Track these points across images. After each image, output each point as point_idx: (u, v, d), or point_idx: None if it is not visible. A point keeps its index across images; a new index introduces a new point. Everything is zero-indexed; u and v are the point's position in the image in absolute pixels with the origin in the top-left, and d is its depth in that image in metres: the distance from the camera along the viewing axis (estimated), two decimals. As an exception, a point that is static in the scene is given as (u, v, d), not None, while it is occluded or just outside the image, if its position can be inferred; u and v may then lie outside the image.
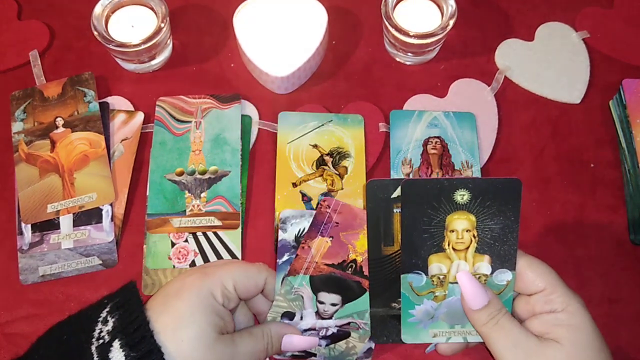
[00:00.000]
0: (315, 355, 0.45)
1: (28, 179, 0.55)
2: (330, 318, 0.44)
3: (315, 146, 0.57)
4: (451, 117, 0.58)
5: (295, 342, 0.43)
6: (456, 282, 0.41)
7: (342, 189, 0.56)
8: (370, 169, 0.57)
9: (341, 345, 0.45)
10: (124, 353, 0.35)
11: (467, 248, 0.41)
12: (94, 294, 0.53)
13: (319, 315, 0.44)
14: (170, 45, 0.63)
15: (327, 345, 0.45)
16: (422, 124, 0.58)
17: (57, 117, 0.58)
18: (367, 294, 0.44)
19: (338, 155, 0.57)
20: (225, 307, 0.39)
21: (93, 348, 0.36)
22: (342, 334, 0.45)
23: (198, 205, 0.55)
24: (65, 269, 0.53)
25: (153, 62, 0.62)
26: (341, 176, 0.56)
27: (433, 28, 0.59)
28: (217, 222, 0.54)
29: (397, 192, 0.41)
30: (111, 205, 0.55)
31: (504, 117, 0.60)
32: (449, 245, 0.41)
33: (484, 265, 0.41)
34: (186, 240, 0.54)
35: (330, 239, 0.45)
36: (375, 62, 0.64)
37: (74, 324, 0.39)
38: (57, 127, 0.58)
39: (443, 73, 0.63)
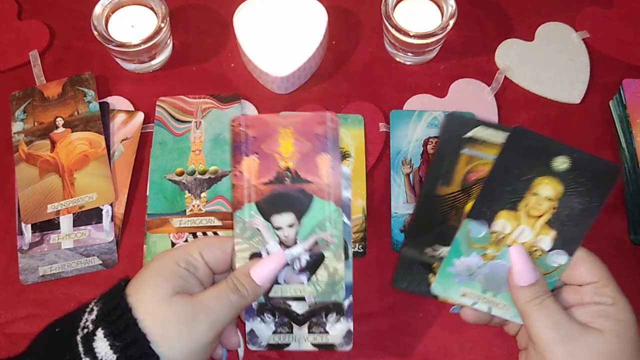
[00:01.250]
0: (304, 298, 0.43)
1: (28, 179, 0.55)
2: (295, 243, 0.42)
3: (315, 146, 0.57)
4: (451, 117, 0.58)
5: (264, 269, 0.40)
6: (508, 246, 0.40)
7: (342, 189, 0.56)
8: (370, 169, 0.57)
9: (322, 275, 0.42)
10: (108, 342, 0.35)
11: (540, 217, 0.39)
12: (94, 294, 0.52)
13: (283, 245, 0.42)
14: (170, 45, 0.63)
15: (309, 280, 0.42)
16: (422, 124, 0.58)
17: (57, 117, 0.58)
18: (316, 199, 0.42)
19: (338, 155, 0.57)
20: (190, 271, 0.39)
21: (78, 338, 0.36)
22: (316, 259, 0.42)
23: (198, 206, 0.55)
24: (65, 269, 0.53)
25: (153, 62, 0.62)
26: (341, 176, 0.56)
27: (433, 28, 0.59)
28: (217, 222, 0.54)
29: (472, 133, 0.39)
30: (111, 205, 0.55)
31: (504, 117, 0.60)
32: (524, 206, 0.39)
33: (547, 239, 0.40)
34: (186, 240, 0.54)
35: (256, 155, 0.43)
36: (375, 62, 0.64)
37: (67, 317, 0.39)
38: (57, 127, 0.58)
39: (443, 73, 0.63)
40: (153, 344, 0.36)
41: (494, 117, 0.60)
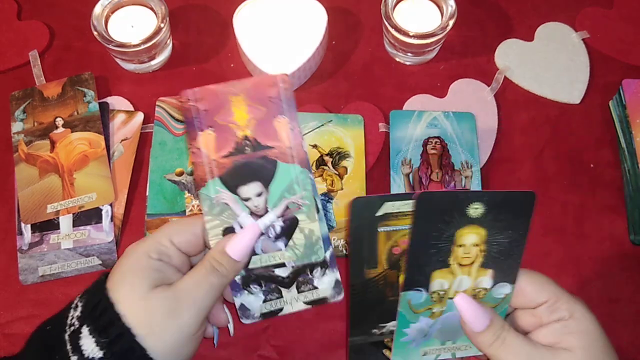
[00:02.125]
0: (284, 264, 0.42)
1: (28, 179, 0.55)
2: (266, 212, 0.41)
3: (315, 146, 0.57)
4: (451, 117, 0.58)
5: (239, 243, 0.39)
6: (451, 298, 0.40)
7: (341, 189, 0.56)
8: (370, 169, 0.57)
9: (299, 238, 0.41)
10: (94, 339, 0.35)
11: (472, 263, 0.40)
12: (93, 294, 0.53)
13: (255, 215, 0.41)
14: (170, 46, 0.63)
15: (286, 245, 0.41)
16: (421, 124, 0.58)
17: (57, 117, 0.58)
18: (280, 164, 0.41)
19: (338, 156, 0.57)
20: (165, 260, 0.39)
21: (66, 336, 0.36)
22: (290, 223, 0.41)
23: (198, 206, 0.55)
24: (65, 269, 0.53)
25: (153, 62, 0.62)
26: (341, 176, 0.56)
27: (433, 28, 0.59)
28: (217, 222, 0.54)
29: (383, 210, 0.39)
30: (111, 205, 0.55)
31: (504, 117, 0.60)
32: (454, 260, 0.39)
33: (486, 279, 0.40)
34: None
35: (211, 128, 0.41)
36: (375, 62, 0.64)
37: (58, 315, 0.39)
38: (56, 127, 0.58)
39: (443, 73, 0.63)
40: (138, 337, 0.35)
41: (493, 117, 0.60)
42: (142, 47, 0.58)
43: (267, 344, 0.52)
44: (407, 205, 0.39)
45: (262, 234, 0.41)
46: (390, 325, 0.42)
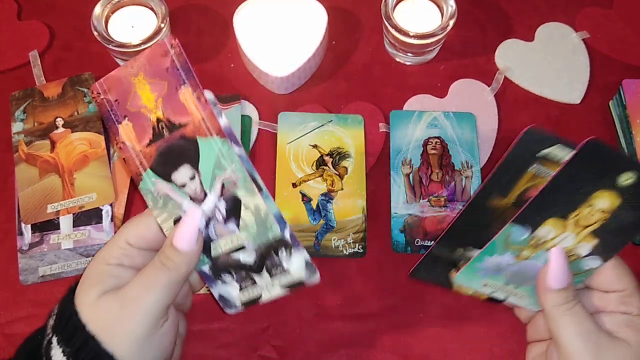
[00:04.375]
0: (244, 247, 0.40)
1: (28, 179, 0.55)
2: (205, 195, 0.39)
3: (315, 146, 0.57)
4: (451, 117, 0.58)
5: (181, 232, 0.37)
6: (547, 250, 0.39)
7: (342, 189, 0.56)
8: (370, 169, 0.57)
9: (247, 215, 0.39)
10: (61, 349, 0.35)
11: (587, 226, 0.39)
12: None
13: (197, 201, 0.39)
14: (170, 46, 0.63)
15: (238, 226, 0.39)
16: (422, 124, 0.58)
17: (57, 118, 0.58)
18: (200, 140, 0.38)
19: (338, 156, 0.57)
20: (125, 264, 0.38)
21: (42, 348, 0.37)
22: (233, 203, 0.39)
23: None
24: (65, 269, 0.53)
25: (153, 62, 0.62)
26: (341, 176, 0.56)
27: (433, 28, 0.59)
28: (217, 222, 0.54)
29: (547, 151, 0.38)
30: (111, 205, 0.55)
31: (504, 117, 0.60)
32: (575, 216, 0.38)
33: (587, 246, 0.39)
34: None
35: (126, 118, 0.39)
36: (375, 62, 0.64)
37: (45, 324, 0.39)
38: (57, 128, 0.58)
39: (443, 73, 0.63)
40: (104, 343, 0.35)
41: (494, 118, 0.60)
42: (142, 47, 0.58)
43: (267, 344, 0.52)
44: (567, 155, 0.38)
45: (210, 219, 0.39)
46: (477, 252, 0.41)
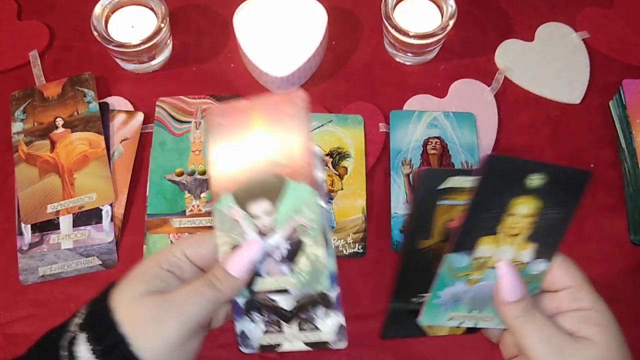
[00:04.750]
0: (287, 291, 0.41)
1: (28, 179, 0.55)
2: (274, 232, 0.40)
3: (315, 146, 0.57)
4: (451, 117, 0.58)
5: (238, 259, 0.39)
6: (493, 268, 0.40)
7: (341, 189, 0.56)
8: (370, 169, 0.57)
9: (304, 263, 0.40)
10: (90, 347, 0.35)
11: (518, 234, 0.40)
12: (94, 295, 0.53)
13: (262, 235, 0.40)
14: (170, 46, 0.63)
15: (291, 270, 0.40)
16: (422, 125, 0.58)
17: (57, 118, 0.58)
18: (291, 182, 0.39)
19: (338, 156, 0.57)
20: (175, 273, 0.38)
21: (62, 342, 0.36)
22: (296, 247, 0.40)
23: (198, 206, 0.55)
24: (65, 269, 0.53)
25: (153, 62, 0.62)
26: (341, 176, 0.56)
27: (433, 28, 0.59)
28: (217, 223, 0.54)
29: (445, 184, 0.39)
30: (111, 205, 0.55)
31: (504, 117, 0.60)
32: (502, 228, 0.39)
33: (527, 253, 0.40)
34: (186, 241, 0.54)
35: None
36: (375, 62, 0.63)
37: (64, 322, 0.39)
38: (57, 128, 0.58)
39: (443, 73, 0.63)
40: (132, 347, 0.35)
41: (494, 118, 0.60)
42: (142, 47, 0.58)
43: (267, 344, 0.52)
44: (468, 182, 0.39)
45: (268, 255, 0.40)
46: (429, 295, 0.42)
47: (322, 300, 0.42)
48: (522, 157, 0.39)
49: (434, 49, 0.62)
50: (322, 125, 0.58)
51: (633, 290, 0.54)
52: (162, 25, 0.59)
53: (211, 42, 0.64)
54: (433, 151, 0.57)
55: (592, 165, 0.59)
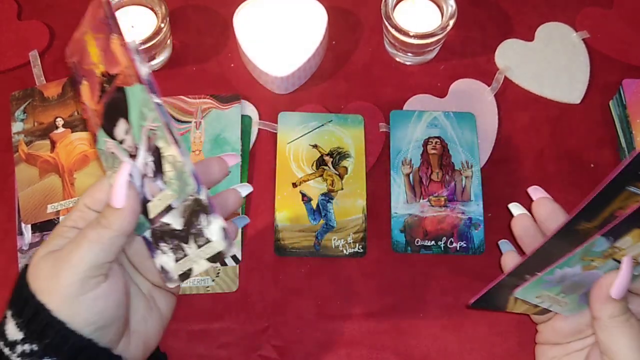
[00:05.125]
0: (170, 207, 0.37)
1: (28, 179, 0.55)
2: (137, 149, 0.37)
3: (315, 146, 0.57)
4: (451, 117, 0.58)
5: (113, 190, 0.36)
6: (615, 260, 0.38)
7: (342, 189, 0.56)
8: (370, 169, 0.57)
9: (169, 169, 0.36)
10: (15, 322, 0.35)
11: None
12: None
13: (133, 157, 0.37)
14: (170, 46, 0.63)
15: (164, 182, 0.37)
16: (422, 124, 0.58)
17: (57, 118, 0.58)
18: (126, 89, 0.36)
19: (338, 156, 0.57)
20: (78, 226, 0.37)
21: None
22: (157, 155, 0.36)
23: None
24: (65, 269, 0.53)
25: (153, 62, 0.62)
26: (341, 176, 0.56)
27: (433, 28, 0.59)
28: (217, 222, 0.54)
29: None
30: (111, 205, 0.55)
31: (504, 117, 0.60)
32: None
33: None
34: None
35: (84, 78, 0.38)
36: (375, 62, 0.64)
37: None
38: (57, 128, 0.58)
39: (443, 73, 0.63)
40: (53, 312, 0.34)
41: (494, 117, 0.60)
42: (142, 47, 0.58)
43: (267, 344, 0.52)
44: None
45: (145, 176, 0.37)
46: (545, 271, 0.40)
47: (199, 206, 0.37)
48: None
49: (434, 48, 0.62)
50: (322, 125, 0.58)
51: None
52: (162, 25, 0.59)
53: (211, 42, 0.64)
54: (433, 151, 0.57)
55: (592, 165, 0.59)
